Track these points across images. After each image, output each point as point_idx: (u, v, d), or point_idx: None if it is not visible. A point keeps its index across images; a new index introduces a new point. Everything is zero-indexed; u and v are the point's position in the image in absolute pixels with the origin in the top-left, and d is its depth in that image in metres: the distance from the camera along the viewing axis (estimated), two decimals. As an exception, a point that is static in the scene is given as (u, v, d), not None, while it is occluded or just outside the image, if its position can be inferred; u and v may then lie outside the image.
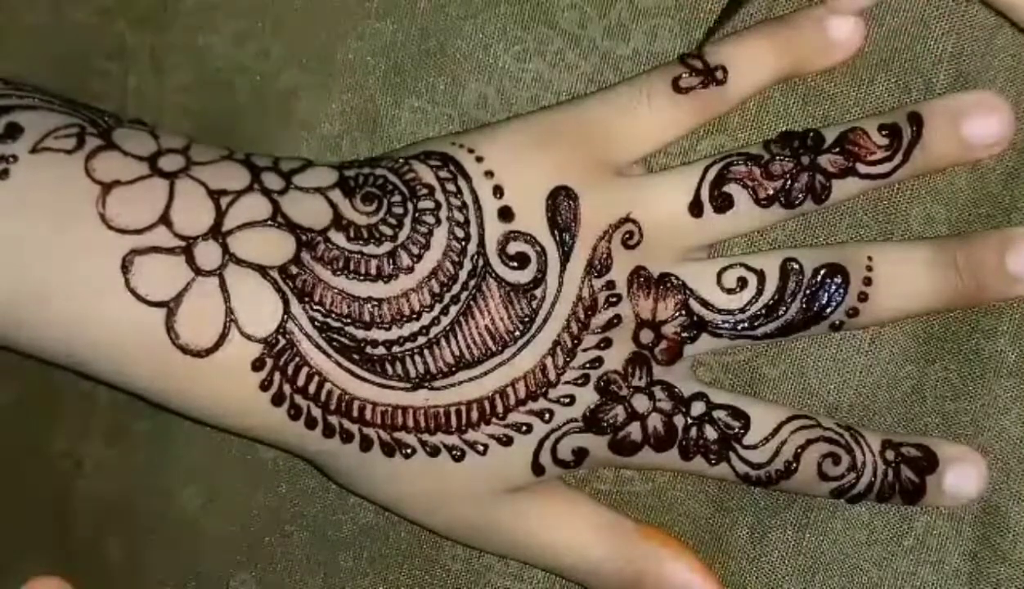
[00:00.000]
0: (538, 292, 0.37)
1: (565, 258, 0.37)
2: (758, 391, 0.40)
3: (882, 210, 0.40)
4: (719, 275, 0.38)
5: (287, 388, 0.36)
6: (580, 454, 0.38)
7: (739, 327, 0.38)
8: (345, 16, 0.41)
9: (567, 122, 0.39)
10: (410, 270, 0.37)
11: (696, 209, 0.38)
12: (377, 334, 0.36)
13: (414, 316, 0.37)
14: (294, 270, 0.36)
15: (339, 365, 0.36)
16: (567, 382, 0.37)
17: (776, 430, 0.38)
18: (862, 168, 0.38)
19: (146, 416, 0.42)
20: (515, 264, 0.37)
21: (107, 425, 0.43)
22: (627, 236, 0.38)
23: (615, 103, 0.39)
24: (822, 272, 0.38)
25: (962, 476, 0.39)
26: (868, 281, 0.38)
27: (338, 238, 0.37)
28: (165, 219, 0.35)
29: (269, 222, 0.36)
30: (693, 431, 0.38)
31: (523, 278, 0.37)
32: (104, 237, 0.35)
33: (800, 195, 0.38)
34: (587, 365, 0.37)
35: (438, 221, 0.37)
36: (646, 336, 0.38)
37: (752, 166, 0.38)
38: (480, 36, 0.41)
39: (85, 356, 0.36)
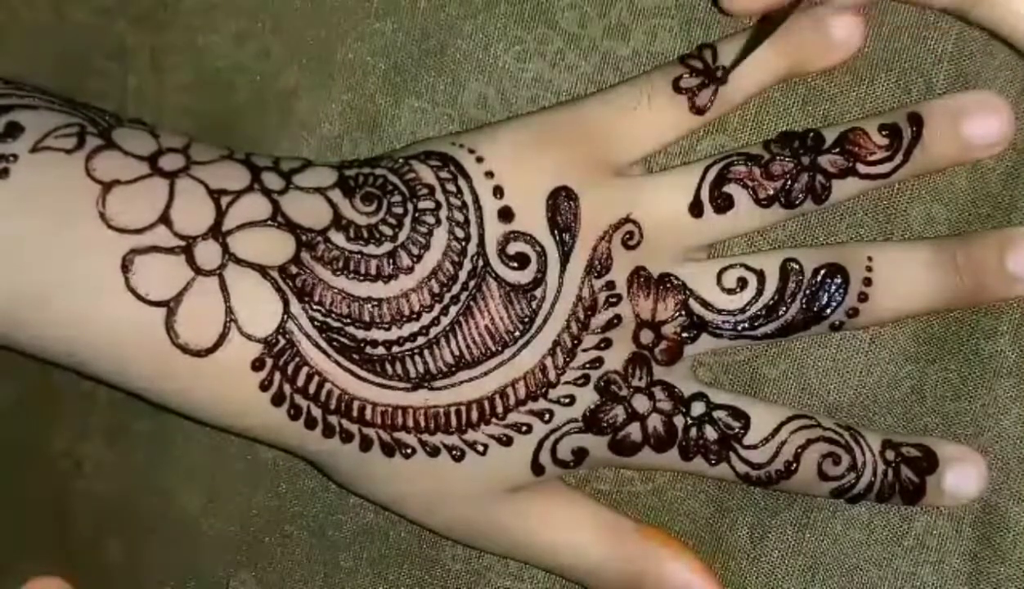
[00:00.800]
0: (538, 292, 0.37)
1: (565, 258, 0.37)
2: (758, 391, 0.40)
3: (882, 210, 0.40)
4: (719, 275, 0.38)
5: (287, 388, 0.36)
6: (580, 454, 0.38)
7: (739, 327, 0.38)
8: (345, 16, 0.41)
9: (567, 122, 0.39)
10: (410, 270, 0.37)
11: (696, 209, 0.38)
12: (377, 334, 0.36)
13: (414, 316, 0.37)
14: (294, 270, 0.36)
15: (339, 365, 0.36)
16: (567, 382, 0.37)
17: (776, 430, 0.38)
18: (862, 168, 0.38)
19: (146, 416, 0.42)
20: (515, 264, 0.37)
21: (107, 425, 0.43)
22: (627, 236, 0.38)
23: (615, 103, 0.39)
24: (822, 272, 0.38)
25: (962, 476, 0.39)
26: (868, 281, 0.38)
27: (338, 238, 0.37)
28: (165, 219, 0.35)
29: (269, 222, 0.36)
30: (693, 431, 0.38)
31: (523, 278, 0.37)
32: (104, 236, 0.35)
33: (800, 195, 0.38)
34: (587, 365, 0.37)
35: (438, 221, 0.37)
36: (646, 336, 0.38)
37: (752, 166, 0.38)
38: (480, 36, 0.41)
39: (85, 356, 0.36)
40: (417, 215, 0.37)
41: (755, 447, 0.38)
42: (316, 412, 0.36)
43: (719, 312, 0.38)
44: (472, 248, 0.37)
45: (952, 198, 0.39)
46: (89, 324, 0.35)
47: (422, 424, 0.37)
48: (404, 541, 0.42)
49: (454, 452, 0.37)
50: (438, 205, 0.37)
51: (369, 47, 0.41)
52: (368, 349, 0.36)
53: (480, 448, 0.37)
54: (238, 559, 0.43)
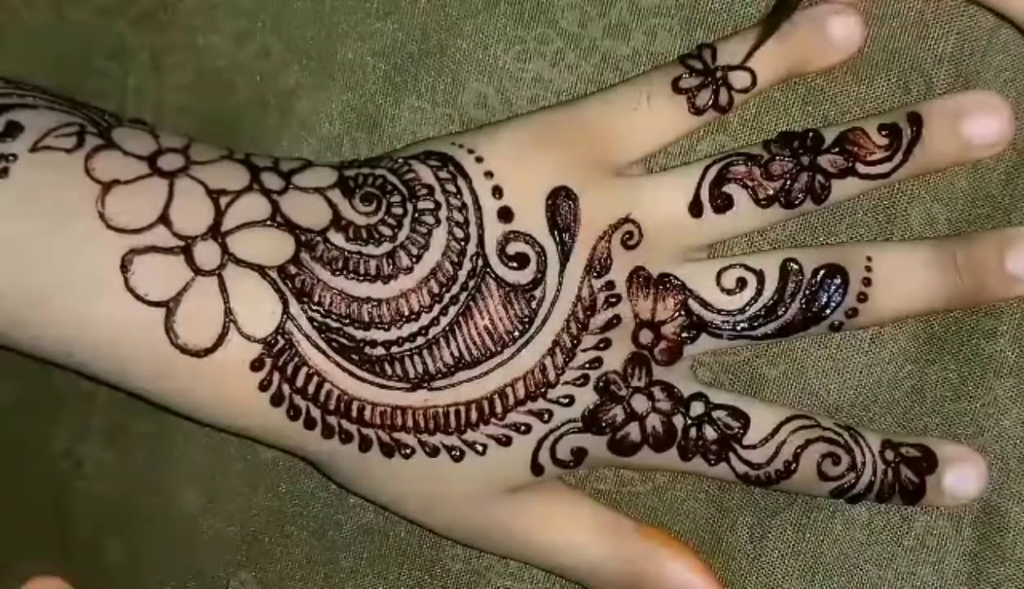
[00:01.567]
0: (537, 292, 0.37)
1: (565, 258, 0.37)
2: (758, 391, 0.40)
3: (882, 210, 0.40)
4: (719, 275, 0.38)
5: (286, 388, 0.36)
6: (579, 454, 0.38)
7: (739, 327, 0.38)
8: (345, 16, 0.41)
9: (567, 122, 0.39)
10: (409, 270, 0.37)
11: (696, 209, 0.38)
12: (376, 334, 0.36)
13: (413, 316, 0.37)
14: (293, 270, 0.36)
15: (338, 365, 0.36)
16: (566, 382, 0.37)
17: (776, 430, 0.38)
18: (862, 168, 0.38)
19: (146, 416, 0.42)
20: (514, 264, 0.37)
21: (107, 425, 0.43)
22: (627, 236, 0.38)
23: (615, 103, 0.39)
24: (821, 272, 0.38)
25: (962, 476, 0.39)
26: (867, 281, 0.38)
27: (337, 238, 0.37)
28: (164, 218, 0.35)
29: (268, 222, 0.36)
30: (692, 431, 0.38)
31: (522, 278, 0.37)
32: (104, 236, 0.35)
33: (800, 195, 0.38)
34: (586, 365, 0.37)
35: (437, 221, 0.37)
36: (645, 336, 0.38)
37: (752, 166, 0.38)
38: (480, 36, 0.41)
39: (85, 356, 0.36)
40: (416, 215, 0.37)
41: (754, 447, 0.38)
42: (315, 412, 0.36)
43: (718, 312, 0.38)
44: (471, 248, 0.37)
45: (952, 198, 0.39)
46: (88, 324, 0.35)
47: (421, 424, 0.37)
48: (404, 541, 0.42)
49: (453, 452, 0.37)
50: (437, 205, 0.37)
51: (369, 47, 0.41)
52: (367, 349, 0.36)
53: (479, 448, 0.37)
54: (238, 559, 0.43)
